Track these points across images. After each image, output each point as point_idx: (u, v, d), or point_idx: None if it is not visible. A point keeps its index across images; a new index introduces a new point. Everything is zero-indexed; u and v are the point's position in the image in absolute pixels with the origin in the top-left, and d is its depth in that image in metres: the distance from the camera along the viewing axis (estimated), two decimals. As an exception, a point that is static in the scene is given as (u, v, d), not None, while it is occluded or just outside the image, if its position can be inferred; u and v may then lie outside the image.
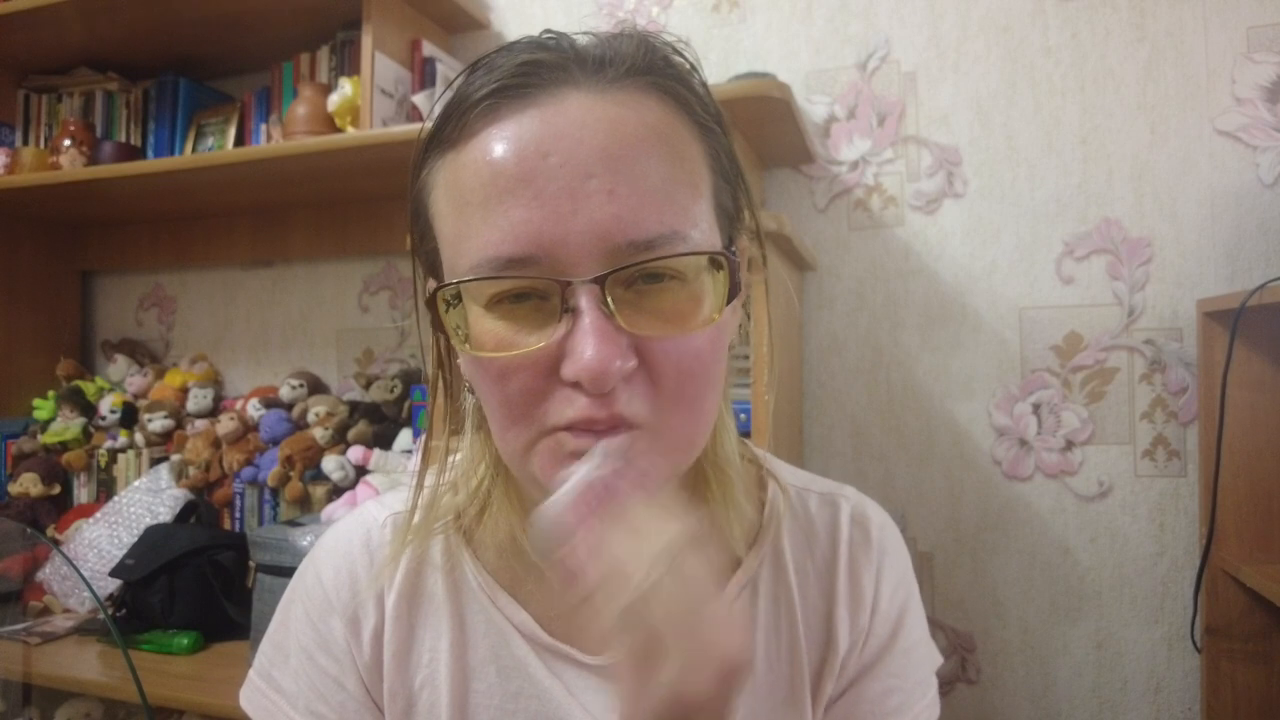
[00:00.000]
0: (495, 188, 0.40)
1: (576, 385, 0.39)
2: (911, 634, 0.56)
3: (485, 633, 0.53)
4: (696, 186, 0.42)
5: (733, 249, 0.45)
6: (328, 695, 0.53)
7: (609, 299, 0.39)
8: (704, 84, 0.46)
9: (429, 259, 0.46)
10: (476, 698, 0.52)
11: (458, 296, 0.42)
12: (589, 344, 0.38)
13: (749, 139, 1.32)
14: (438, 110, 0.44)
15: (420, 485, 0.53)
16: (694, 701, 0.35)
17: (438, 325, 0.43)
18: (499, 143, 0.40)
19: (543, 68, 0.41)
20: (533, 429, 0.42)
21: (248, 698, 0.56)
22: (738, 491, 0.52)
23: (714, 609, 0.36)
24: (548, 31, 0.45)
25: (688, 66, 0.46)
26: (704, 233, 0.42)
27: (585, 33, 0.45)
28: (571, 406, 0.40)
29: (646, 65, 0.43)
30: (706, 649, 0.35)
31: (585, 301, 0.39)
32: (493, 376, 0.42)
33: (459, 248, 0.42)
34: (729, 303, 0.42)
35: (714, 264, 0.42)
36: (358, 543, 0.55)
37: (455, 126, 0.42)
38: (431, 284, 0.46)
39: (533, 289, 0.40)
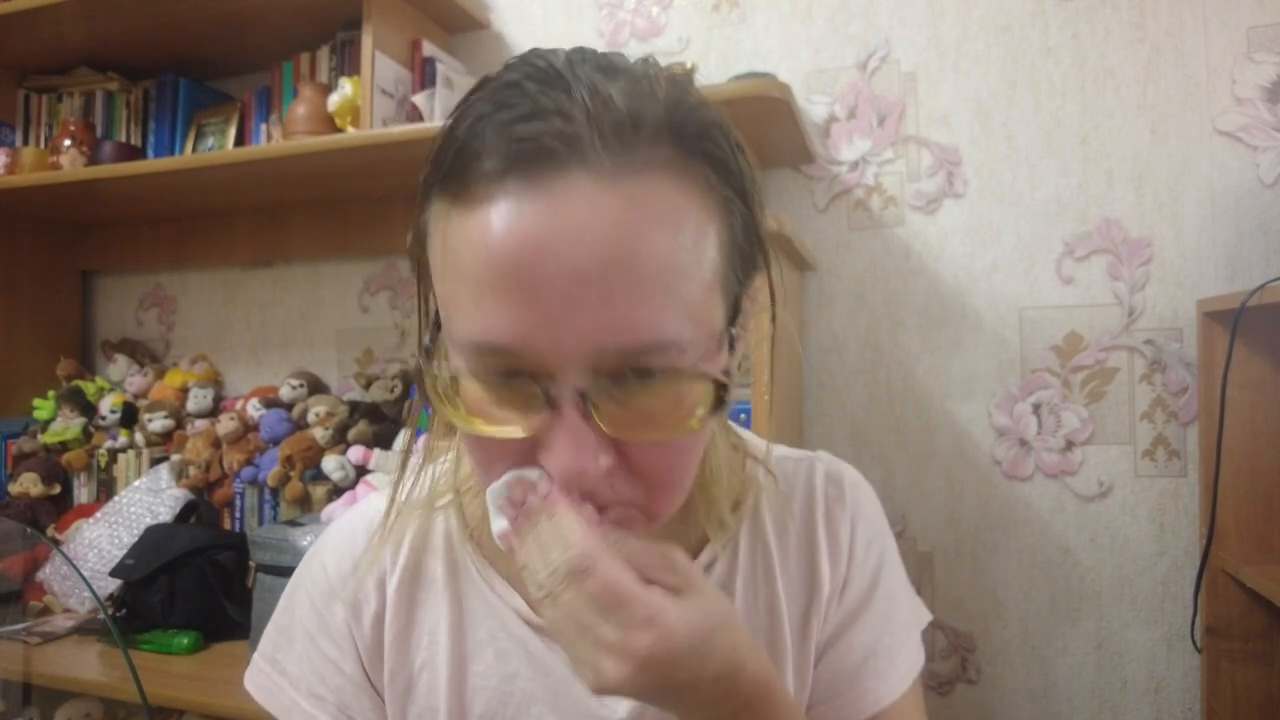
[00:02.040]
0: (491, 275, 0.38)
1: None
2: (891, 581, 0.57)
3: (484, 616, 0.54)
4: (701, 274, 0.39)
5: (735, 329, 0.43)
6: (327, 679, 0.55)
7: (592, 402, 0.39)
8: (735, 146, 0.42)
9: (427, 286, 0.46)
10: (474, 679, 0.54)
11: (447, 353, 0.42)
12: (566, 449, 0.39)
13: (749, 139, 1.32)
14: (449, 145, 0.40)
15: (404, 467, 0.54)
16: (608, 687, 0.38)
17: (421, 387, 0.43)
18: (500, 228, 0.37)
19: (555, 139, 0.37)
20: None
21: (252, 679, 0.57)
22: (720, 482, 0.53)
23: (635, 608, 0.38)
24: (565, 61, 0.40)
25: (720, 130, 0.41)
26: (702, 322, 0.40)
27: (608, 66, 0.40)
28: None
29: (673, 138, 0.39)
30: (621, 641, 0.37)
31: (567, 403, 0.38)
32: (472, 437, 0.42)
33: (449, 310, 0.41)
34: (715, 412, 0.41)
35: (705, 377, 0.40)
36: (361, 531, 0.57)
37: (459, 183, 0.39)
38: (431, 326, 0.45)
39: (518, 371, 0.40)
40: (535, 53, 0.41)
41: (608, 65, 0.40)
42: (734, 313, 0.43)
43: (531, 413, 0.40)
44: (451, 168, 0.39)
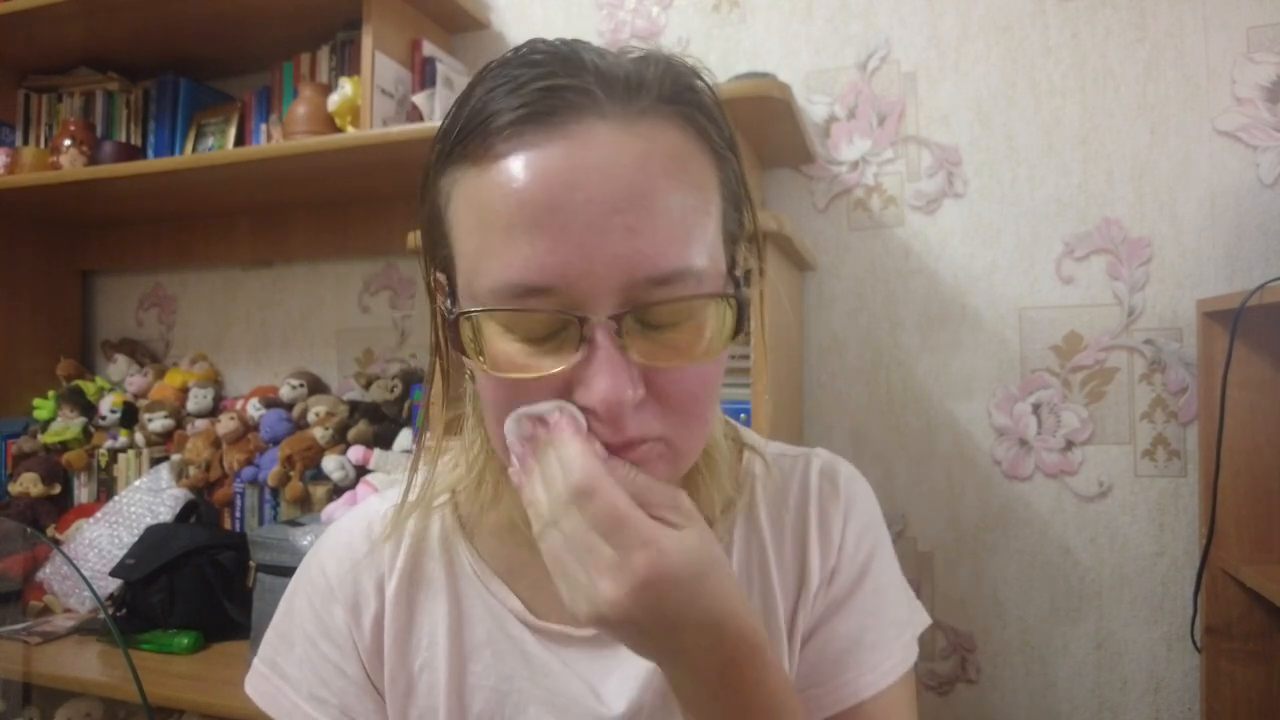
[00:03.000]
0: (521, 215, 0.40)
1: (588, 410, 0.41)
2: (882, 576, 0.57)
3: (482, 616, 0.55)
4: (710, 214, 0.44)
5: (737, 273, 0.46)
6: (329, 681, 0.55)
7: (623, 333, 0.41)
8: (722, 108, 0.47)
9: (443, 264, 0.47)
10: (473, 679, 0.54)
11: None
12: (603, 377, 0.40)
13: (749, 139, 1.32)
14: (460, 118, 0.44)
15: (415, 468, 0.55)
16: (601, 611, 0.39)
17: (456, 344, 0.44)
18: (527, 171, 0.40)
19: (569, 93, 0.41)
20: None
21: (253, 684, 0.58)
22: (721, 471, 0.54)
23: (635, 530, 0.39)
24: (563, 42, 0.44)
25: (710, 93, 0.46)
26: (713, 260, 0.43)
27: (604, 50, 0.45)
28: None
29: (672, 94, 0.44)
30: (618, 560, 0.38)
31: (601, 336, 0.40)
32: (503, 392, 0.43)
33: (478, 265, 0.42)
34: (735, 336, 0.44)
35: (724, 300, 0.43)
36: (359, 533, 0.57)
37: (479, 143, 0.42)
38: (447, 300, 0.46)
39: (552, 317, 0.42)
40: (536, 39, 0.45)
41: (603, 48, 0.45)
42: (733, 261, 0.47)
43: (565, 354, 0.41)
44: (469, 133, 0.42)
